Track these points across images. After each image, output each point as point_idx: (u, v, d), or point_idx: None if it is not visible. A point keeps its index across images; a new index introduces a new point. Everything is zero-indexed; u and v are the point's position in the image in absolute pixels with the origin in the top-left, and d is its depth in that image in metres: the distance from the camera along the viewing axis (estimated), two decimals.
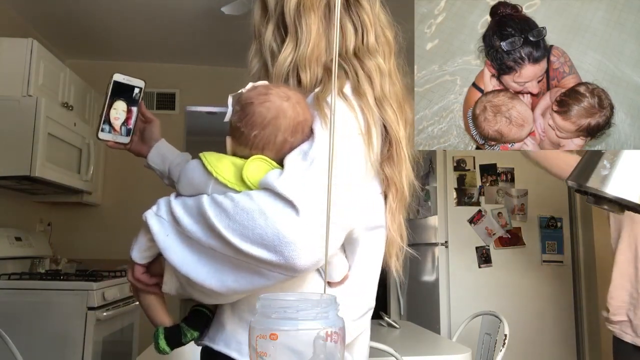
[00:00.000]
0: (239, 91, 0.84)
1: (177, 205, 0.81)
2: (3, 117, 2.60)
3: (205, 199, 0.78)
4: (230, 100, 0.84)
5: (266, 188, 0.75)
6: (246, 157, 0.80)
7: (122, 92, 1.05)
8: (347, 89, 0.84)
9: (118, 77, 1.05)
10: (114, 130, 1.05)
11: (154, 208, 0.84)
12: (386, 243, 0.95)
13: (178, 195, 0.85)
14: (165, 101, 3.97)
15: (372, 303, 0.95)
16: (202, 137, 3.59)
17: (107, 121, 1.04)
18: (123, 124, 1.05)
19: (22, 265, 3.05)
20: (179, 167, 1.14)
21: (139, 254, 0.86)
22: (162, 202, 0.84)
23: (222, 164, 0.80)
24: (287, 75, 0.91)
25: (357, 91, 0.85)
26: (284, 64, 0.90)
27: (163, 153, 1.12)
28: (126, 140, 1.07)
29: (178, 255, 0.79)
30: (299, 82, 0.90)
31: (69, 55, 3.82)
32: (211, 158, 0.82)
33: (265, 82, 0.86)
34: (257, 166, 0.79)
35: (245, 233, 0.72)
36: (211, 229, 0.75)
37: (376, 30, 0.94)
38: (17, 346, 1.91)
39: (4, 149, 2.57)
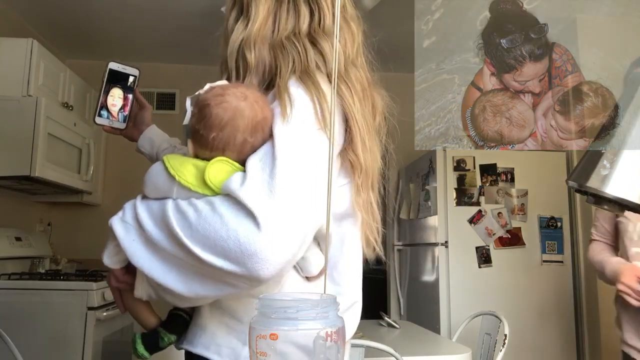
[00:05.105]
0: (197, 93, 0.83)
1: (142, 210, 0.80)
2: (3, 117, 2.59)
3: (169, 206, 0.76)
4: (188, 102, 0.83)
5: (229, 194, 0.73)
6: (208, 159, 0.79)
7: (118, 79, 1.10)
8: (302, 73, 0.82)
9: (113, 65, 1.10)
10: (112, 116, 1.10)
11: (120, 213, 0.83)
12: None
13: (144, 197, 0.84)
14: (165, 101, 3.97)
15: (358, 296, 0.93)
16: None
17: (105, 107, 1.09)
18: (120, 110, 1.10)
19: (22, 265, 3.05)
20: (167, 152, 1.16)
21: (109, 259, 0.85)
22: (127, 207, 0.83)
23: (184, 168, 0.79)
24: (237, 55, 0.90)
25: (306, 72, 0.82)
26: (235, 43, 0.90)
27: (152, 138, 1.17)
28: (122, 125, 1.12)
29: (145, 260, 0.78)
30: (246, 61, 0.89)
31: (69, 55, 3.82)
32: (174, 162, 0.80)
33: (223, 82, 0.84)
34: (219, 168, 0.78)
35: (207, 244, 0.71)
36: (175, 238, 0.74)
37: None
38: (17, 346, 1.90)
39: (4, 149, 2.56)
